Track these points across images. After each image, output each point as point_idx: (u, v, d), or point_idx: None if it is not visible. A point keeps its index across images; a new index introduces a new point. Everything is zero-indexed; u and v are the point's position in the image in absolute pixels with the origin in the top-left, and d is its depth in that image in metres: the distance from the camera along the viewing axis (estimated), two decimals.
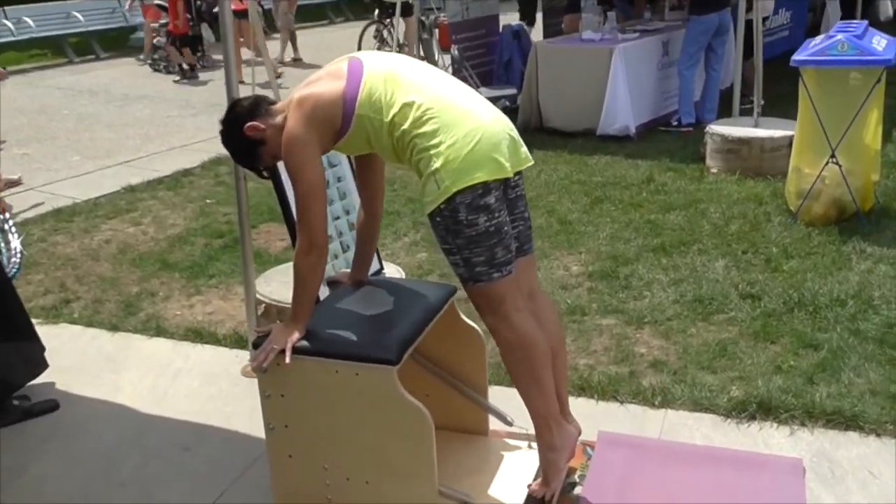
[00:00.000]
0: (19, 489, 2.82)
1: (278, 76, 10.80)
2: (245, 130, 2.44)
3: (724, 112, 6.98)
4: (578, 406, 3.02)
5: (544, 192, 5.68)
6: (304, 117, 2.34)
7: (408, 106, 2.32)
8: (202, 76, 11.50)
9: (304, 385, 2.41)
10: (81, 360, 3.69)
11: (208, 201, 5.91)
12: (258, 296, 3.44)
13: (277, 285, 3.55)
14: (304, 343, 2.39)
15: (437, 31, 9.51)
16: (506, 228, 2.35)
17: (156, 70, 12.12)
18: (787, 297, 3.90)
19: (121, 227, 5.47)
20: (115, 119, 8.95)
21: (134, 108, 9.59)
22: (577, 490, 2.67)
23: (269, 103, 2.52)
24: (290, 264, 3.87)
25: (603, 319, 3.85)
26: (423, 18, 10.42)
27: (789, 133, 5.67)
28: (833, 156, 4.55)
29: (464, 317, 2.78)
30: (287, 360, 2.37)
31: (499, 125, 2.35)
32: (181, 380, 3.50)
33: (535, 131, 7.26)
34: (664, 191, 5.59)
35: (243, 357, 3.64)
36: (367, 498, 2.47)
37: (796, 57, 4.57)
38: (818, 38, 4.85)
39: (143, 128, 8.46)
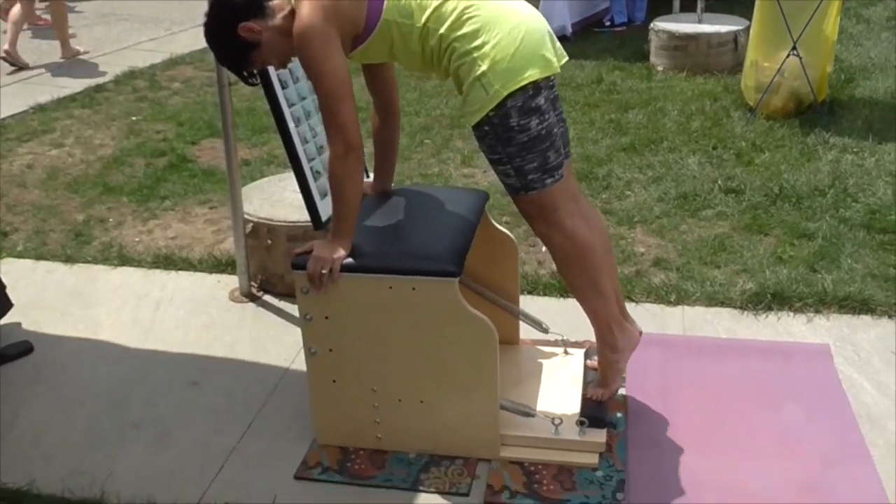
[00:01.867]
0: (17, 440, 2.52)
1: None
2: (239, 31, 2.15)
3: (655, 11, 6.93)
4: None
5: None
6: (322, 8, 2.06)
7: (442, 6, 2.10)
8: None
9: (352, 305, 2.23)
10: (42, 296, 3.35)
11: (134, 118, 5.45)
12: (245, 215, 3.17)
13: (260, 203, 3.29)
14: (351, 260, 2.20)
15: None
16: (555, 130, 2.20)
17: None
18: (768, 190, 3.93)
19: (40, 149, 4.97)
20: None
21: None
22: (621, 391, 2.62)
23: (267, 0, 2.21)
24: (266, 180, 3.64)
25: None
26: None
27: (735, 28, 5.69)
28: (794, 48, 4.56)
29: (496, 224, 2.64)
30: (336, 281, 2.17)
31: (537, 20, 2.18)
32: (165, 310, 3.22)
33: None
34: (616, 90, 5.52)
35: (227, 281, 3.39)
36: (420, 418, 2.34)
37: None
38: None
39: (31, 41, 7.68)
